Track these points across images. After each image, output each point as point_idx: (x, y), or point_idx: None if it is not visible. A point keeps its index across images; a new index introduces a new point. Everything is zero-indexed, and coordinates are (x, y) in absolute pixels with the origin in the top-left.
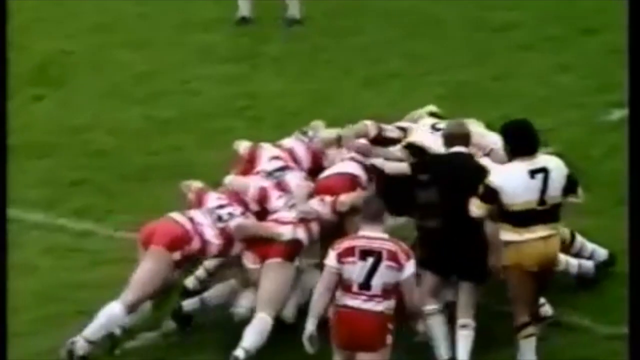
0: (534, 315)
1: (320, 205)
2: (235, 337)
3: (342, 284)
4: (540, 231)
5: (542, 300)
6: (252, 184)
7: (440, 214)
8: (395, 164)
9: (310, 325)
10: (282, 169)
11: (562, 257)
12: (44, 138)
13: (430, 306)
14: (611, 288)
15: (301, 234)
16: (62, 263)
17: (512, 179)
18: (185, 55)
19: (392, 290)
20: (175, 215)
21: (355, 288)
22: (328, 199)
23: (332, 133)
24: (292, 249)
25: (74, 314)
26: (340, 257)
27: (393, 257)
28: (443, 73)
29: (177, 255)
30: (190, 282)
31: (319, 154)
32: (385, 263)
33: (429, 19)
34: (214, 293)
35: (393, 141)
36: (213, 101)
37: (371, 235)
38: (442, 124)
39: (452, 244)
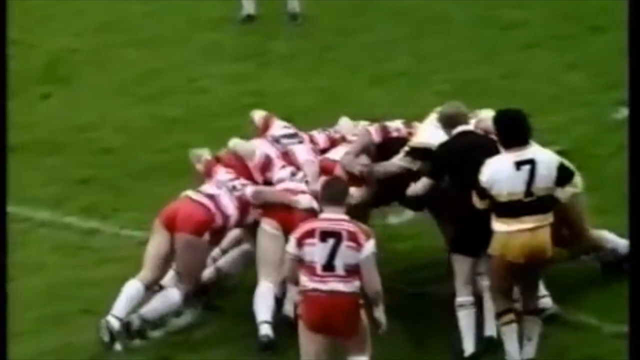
0: (532, 309)
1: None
2: (240, 334)
3: (305, 267)
4: (527, 222)
5: (543, 292)
6: (257, 151)
7: (464, 193)
8: (421, 183)
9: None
10: (292, 136)
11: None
12: (51, 136)
13: (463, 297)
14: (617, 286)
15: (315, 204)
16: (69, 261)
17: (497, 172)
18: (192, 53)
19: (354, 271)
20: (193, 195)
21: (319, 270)
22: None
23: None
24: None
25: (81, 312)
26: (300, 240)
27: (353, 237)
28: (450, 71)
29: (206, 237)
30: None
31: (338, 142)
32: (345, 243)
33: (436, 17)
34: (228, 260)
35: (399, 141)
36: (220, 99)
37: (331, 217)
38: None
39: (480, 220)
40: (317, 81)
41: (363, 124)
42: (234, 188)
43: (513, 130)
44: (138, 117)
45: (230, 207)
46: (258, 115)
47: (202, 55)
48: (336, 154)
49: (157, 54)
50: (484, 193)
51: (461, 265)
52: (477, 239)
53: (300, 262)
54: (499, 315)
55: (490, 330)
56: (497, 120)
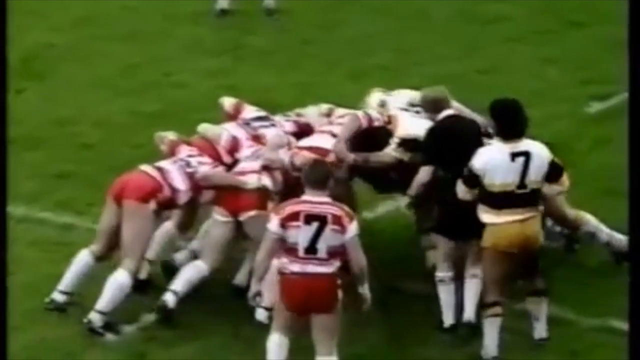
0: (536, 289)
1: (287, 156)
2: (214, 330)
3: (287, 248)
4: (518, 214)
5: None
6: (225, 133)
7: (451, 177)
8: (423, 171)
9: (255, 286)
10: (263, 119)
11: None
12: (29, 131)
13: (443, 273)
14: (594, 280)
15: (266, 180)
16: (46, 256)
17: (492, 161)
18: (170, 48)
19: (336, 253)
20: (145, 167)
21: (301, 252)
22: (297, 151)
23: (320, 110)
24: (263, 197)
25: (57, 308)
26: (284, 222)
27: (337, 220)
28: (431, 66)
29: (152, 205)
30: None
31: (305, 127)
32: (330, 227)
33: (417, 12)
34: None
35: (381, 129)
36: (198, 94)
37: (315, 200)
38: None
39: (464, 207)
40: (295, 76)
41: (325, 107)
42: (187, 164)
43: (511, 121)
44: (116, 111)
45: (179, 180)
46: (228, 101)
47: (180, 49)
48: (313, 141)
49: (135, 49)
50: (475, 180)
51: (441, 244)
52: (459, 223)
53: (282, 242)
54: (486, 306)
55: (469, 315)
56: (494, 110)
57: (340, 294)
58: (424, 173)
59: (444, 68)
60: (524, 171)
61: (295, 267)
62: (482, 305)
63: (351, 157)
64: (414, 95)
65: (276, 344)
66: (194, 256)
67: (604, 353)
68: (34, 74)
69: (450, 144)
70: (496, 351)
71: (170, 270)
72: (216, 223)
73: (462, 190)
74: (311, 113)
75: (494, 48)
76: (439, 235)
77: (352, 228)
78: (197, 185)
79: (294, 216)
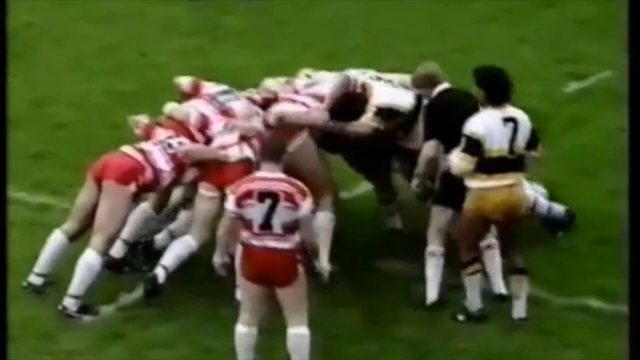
0: (517, 267)
1: (260, 123)
2: (192, 310)
3: (244, 223)
4: (506, 179)
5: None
6: (193, 111)
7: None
8: (428, 146)
9: (219, 258)
10: (228, 92)
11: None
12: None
13: (434, 247)
14: (566, 260)
15: (248, 151)
16: (23, 237)
17: (490, 125)
18: (147, 28)
19: (292, 228)
20: (126, 149)
21: (256, 228)
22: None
23: (280, 81)
24: (247, 169)
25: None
26: (240, 200)
27: (290, 198)
28: (404, 46)
29: (132, 188)
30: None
31: (264, 102)
32: (282, 204)
33: None
34: (181, 223)
35: (359, 97)
36: (174, 74)
37: (269, 176)
38: (385, 75)
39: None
40: (271, 56)
41: (282, 79)
42: (169, 146)
43: (500, 87)
44: (93, 92)
45: (161, 161)
46: (185, 81)
47: (156, 30)
48: (284, 108)
49: (112, 29)
50: (477, 147)
51: (439, 216)
52: (460, 192)
53: (240, 218)
54: (464, 265)
55: (498, 287)
56: (481, 76)
57: (300, 268)
58: (429, 148)
59: (419, 48)
60: (512, 137)
61: (255, 241)
62: (461, 266)
63: (330, 124)
64: (372, 72)
65: (242, 335)
66: (172, 238)
67: (577, 332)
68: (12, 54)
69: (452, 117)
70: (480, 303)
71: (149, 251)
72: (203, 199)
73: (463, 160)
74: (272, 84)
75: (468, 28)
76: (438, 206)
77: (305, 205)
78: (180, 165)
79: (248, 194)
